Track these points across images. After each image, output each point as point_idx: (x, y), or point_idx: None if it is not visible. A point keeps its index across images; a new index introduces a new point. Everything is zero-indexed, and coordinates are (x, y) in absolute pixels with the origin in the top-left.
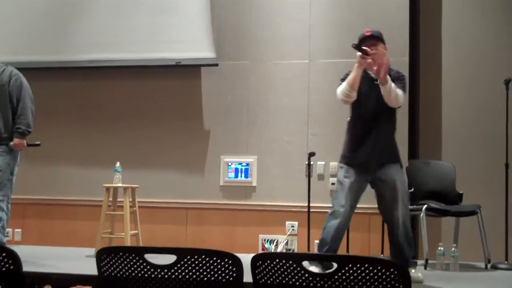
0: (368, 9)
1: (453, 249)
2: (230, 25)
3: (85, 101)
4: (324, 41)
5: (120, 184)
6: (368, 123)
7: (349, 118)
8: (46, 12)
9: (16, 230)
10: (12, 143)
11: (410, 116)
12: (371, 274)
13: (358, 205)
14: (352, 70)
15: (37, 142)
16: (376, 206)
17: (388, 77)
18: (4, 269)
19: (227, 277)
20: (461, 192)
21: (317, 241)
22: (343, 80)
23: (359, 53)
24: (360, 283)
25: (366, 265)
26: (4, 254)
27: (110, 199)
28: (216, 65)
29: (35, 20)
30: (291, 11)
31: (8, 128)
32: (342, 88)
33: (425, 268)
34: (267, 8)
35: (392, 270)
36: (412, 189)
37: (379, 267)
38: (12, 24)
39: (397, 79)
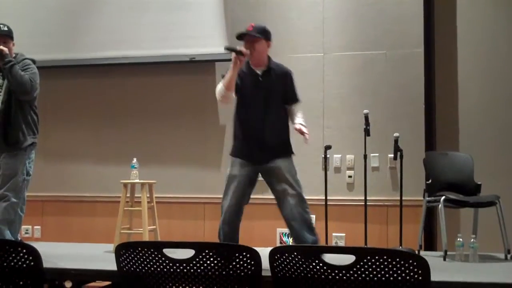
0: (382, 1)
1: (472, 240)
2: (244, 19)
3: (100, 98)
4: (338, 34)
5: (137, 180)
6: (258, 119)
7: (234, 115)
8: (60, 10)
9: (35, 227)
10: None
11: (426, 107)
12: (390, 266)
13: (375, 197)
14: (228, 71)
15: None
16: (392, 198)
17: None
18: (25, 265)
19: (246, 270)
20: (479, 183)
21: (335, 234)
22: (223, 77)
23: (233, 55)
24: (379, 275)
25: (385, 257)
26: (24, 251)
27: (128, 195)
28: (230, 60)
29: (49, 19)
30: (304, 4)
31: (28, 131)
32: (218, 89)
33: (444, 259)
34: (280, 2)
35: (411, 261)
36: (430, 181)
37: (397, 259)
38: (25, 23)
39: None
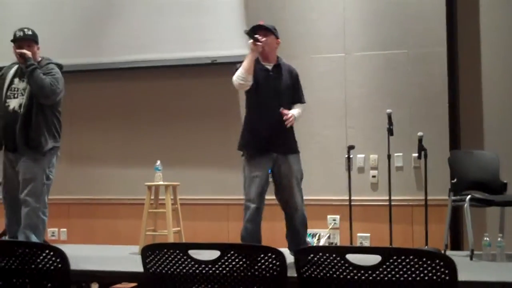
0: (404, 0)
1: (499, 239)
2: (264, 21)
3: (123, 101)
4: (359, 34)
5: (161, 182)
6: (268, 113)
7: (246, 110)
8: (82, 16)
9: (61, 229)
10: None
11: (450, 106)
12: (416, 266)
13: (400, 197)
14: (246, 58)
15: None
16: (416, 197)
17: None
18: (52, 267)
19: (271, 271)
20: (505, 181)
21: (359, 234)
22: (237, 69)
23: (250, 41)
24: (406, 275)
25: (411, 257)
26: (52, 253)
27: (152, 197)
28: None
29: (71, 24)
30: (325, 5)
31: (49, 136)
32: (237, 73)
33: (471, 259)
34: (301, 3)
35: (438, 261)
36: (455, 180)
37: (424, 259)
38: (49, 29)
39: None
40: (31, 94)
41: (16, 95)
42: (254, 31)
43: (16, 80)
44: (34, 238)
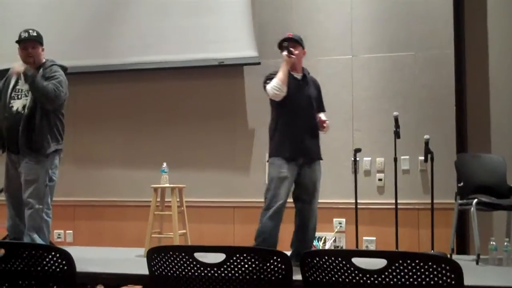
0: (411, 2)
1: (505, 243)
2: (271, 23)
3: (129, 103)
4: (367, 35)
5: (167, 185)
6: (301, 120)
7: (274, 117)
8: (89, 17)
9: (67, 231)
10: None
11: (457, 109)
12: (422, 270)
13: (406, 201)
14: (280, 68)
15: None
16: (423, 201)
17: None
18: (58, 269)
19: (276, 274)
20: None
21: (365, 238)
22: (268, 78)
23: (285, 53)
24: (411, 279)
25: (417, 261)
26: (58, 255)
27: (158, 199)
28: (259, 63)
29: (79, 26)
30: (332, 6)
31: (52, 138)
32: (272, 83)
33: (477, 263)
34: (307, 4)
35: (444, 265)
36: (462, 183)
37: (430, 263)
38: (56, 30)
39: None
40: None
41: (20, 96)
42: (286, 42)
43: (20, 82)
44: (39, 240)
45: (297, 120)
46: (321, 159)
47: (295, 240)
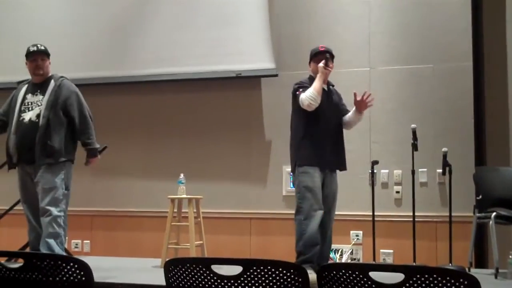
0: (429, 14)
1: None
2: (289, 35)
3: (147, 114)
4: (384, 48)
5: (184, 196)
6: (327, 129)
7: (301, 126)
8: (108, 29)
9: (85, 241)
10: (87, 162)
11: (476, 122)
12: (440, 284)
13: (424, 213)
14: (317, 79)
15: (104, 146)
16: (441, 214)
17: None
18: (76, 280)
19: (293, 287)
20: None
21: (383, 250)
22: (300, 86)
23: (321, 65)
24: None
25: (435, 276)
26: (76, 266)
27: (175, 210)
28: (276, 75)
29: (97, 38)
30: (350, 19)
31: (67, 148)
32: (308, 94)
33: (496, 277)
34: (326, 17)
35: (461, 280)
36: (480, 196)
37: (448, 278)
38: (75, 42)
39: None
40: (50, 105)
41: (31, 108)
42: (322, 54)
43: (29, 95)
44: (56, 247)
45: (326, 130)
46: (345, 169)
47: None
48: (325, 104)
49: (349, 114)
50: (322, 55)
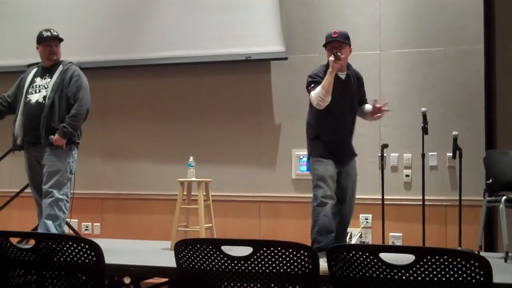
0: None
1: None
2: (299, 18)
3: (157, 98)
4: (395, 31)
5: (194, 178)
6: (339, 122)
7: (314, 115)
8: (115, 12)
9: (95, 224)
10: (52, 137)
11: (486, 105)
12: (451, 266)
13: (434, 197)
14: (327, 75)
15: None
16: (450, 198)
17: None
18: (87, 260)
19: (303, 268)
20: None
21: (392, 234)
22: (313, 81)
23: (331, 59)
24: (439, 275)
25: (445, 257)
26: (87, 247)
27: (185, 193)
28: (286, 58)
29: (107, 21)
30: (360, 1)
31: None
32: (317, 92)
33: (505, 261)
34: (335, 0)
35: (472, 262)
36: (490, 180)
37: (458, 259)
38: (82, 25)
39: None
40: (55, 87)
41: (38, 90)
42: (331, 43)
43: (38, 79)
44: (53, 229)
45: (339, 123)
46: (356, 156)
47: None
48: (338, 97)
49: (365, 109)
50: (333, 45)
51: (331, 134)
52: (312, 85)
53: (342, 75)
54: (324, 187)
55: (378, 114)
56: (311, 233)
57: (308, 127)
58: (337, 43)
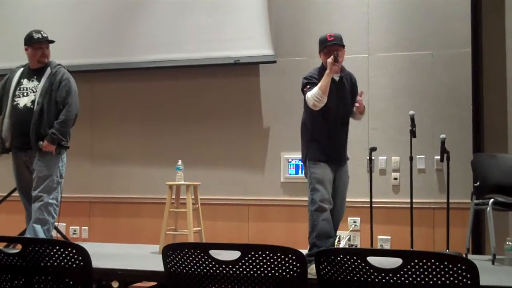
0: (428, 1)
1: None
2: (288, 21)
3: (145, 101)
4: (383, 34)
5: (182, 182)
6: (335, 124)
7: (309, 119)
8: (106, 15)
9: (83, 228)
10: (41, 143)
11: (474, 109)
12: (438, 269)
13: (422, 200)
14: (325, 76)
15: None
16: (438, 200)
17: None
18: (74, 265)
19: (291, 272)
20: None
21: (380, 237)
22: (308, 82)
23: (330, 60)
24: (427, 279)
25: (433, 261)
26: (74, 251)
27: (173, 196)
28: (275, 62)
29: (95, 24)
30: (348, 5)
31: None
32: (313, 93)
33: (493, 264)
34: (324, 3)
35: (459, 265)
36: (478, 183)
37: (445, 263)
38: (73, 28)
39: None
40: (44, 91)
41: (26, 94)
42: (330, 46)
43: (25, 80)
44: (41, 233)
45: (333, 125)
46: (349, 159)
47: None
48: (333, 99)
49: (354, 108)
50: (331, 48)
51: (326, 135)
52: (308, 86)
53: (336, 77)
54: (322, 191)
55: (357, 104)
56: (309, 237)
57: (303, 128)
58: (336, 46)
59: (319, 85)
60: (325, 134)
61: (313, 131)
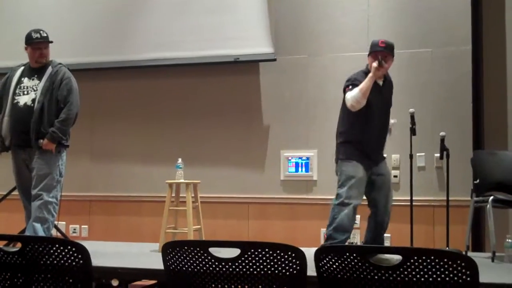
0: None
1: None
2: (288, 19)
3: (145, 99)
4: (383, 32)
5: (182, 180)
6: (376, 126)
7: (349, 120)
8: (107, 14)
9: (83, 226)
10: (42, 141)
11: (474, 106)
12: (438, 266)
13: (422, 198)
14: (367, 79)
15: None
16: (438, 198)
17: None
18: (74, 263)
19: (291, 270)
20: None
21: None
22: (351, 84)
23: (375, 65)
24: (427, 276)
25: (433, 257)
26: (74, 249)
27: (173, 195)
28: (274, 60)
29: (96, 22)
30: (348, 3)
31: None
32: (354, 94)
33: (493, 261)
34: (324, 1)
35: (459, 262)
36: (478, 181)
37: (445, 259)
38: (74, 27)
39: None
40: (45, 90)
41: (26, 92)
42: (379, 52)
43: (25, 79)
44: (41, 231)
45: (374, 127)
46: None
47: (367, 235)
48: (376, 102)
49: None
50: (379, 53)
51: (366, 138)
52: (350, 87)
53: (380, 82)
54: (350, 186)
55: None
56: (327, 229)
57: (341, 131)
58: (384, 52)
59: (360, 86)
60: (368, 135)
61: (352, 132)
